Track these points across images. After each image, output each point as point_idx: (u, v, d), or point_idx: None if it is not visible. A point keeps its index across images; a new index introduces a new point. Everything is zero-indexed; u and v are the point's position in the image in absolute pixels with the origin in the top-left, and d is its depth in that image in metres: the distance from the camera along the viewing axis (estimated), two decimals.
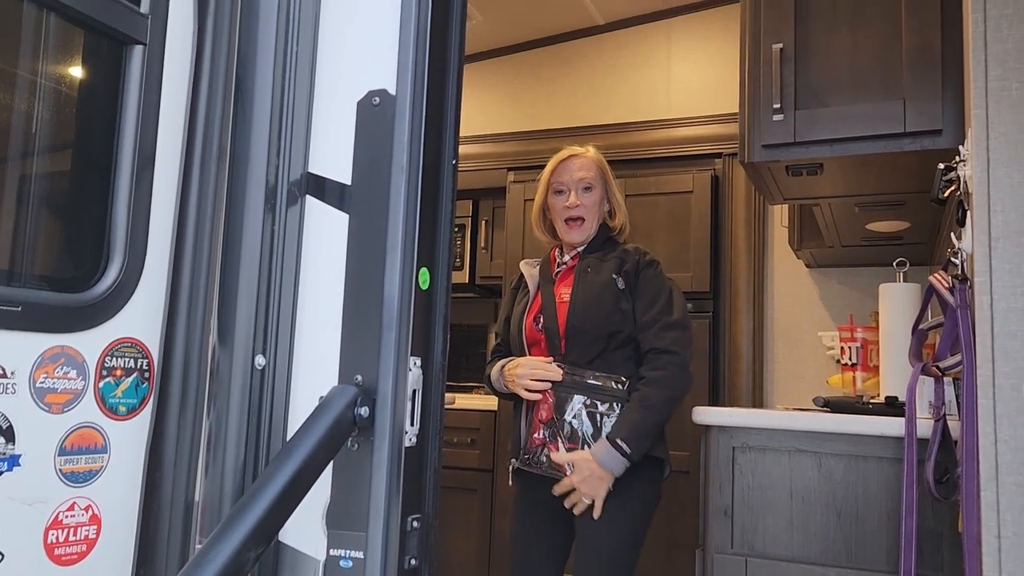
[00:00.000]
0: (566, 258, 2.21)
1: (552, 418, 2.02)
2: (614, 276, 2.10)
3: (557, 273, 2.20)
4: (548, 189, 2.22)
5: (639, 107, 3.64)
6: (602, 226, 2.21)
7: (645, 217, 3.40)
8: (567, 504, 1.99)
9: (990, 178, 1.40)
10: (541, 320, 2.13)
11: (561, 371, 2.04)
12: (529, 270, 2.27)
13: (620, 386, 2.02)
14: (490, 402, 3.52)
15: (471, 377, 4.10)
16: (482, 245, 4.05)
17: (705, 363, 3.27)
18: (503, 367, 2.16)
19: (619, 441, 1.93)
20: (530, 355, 2.15)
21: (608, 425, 1.99)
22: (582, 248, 2.20)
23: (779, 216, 3.31)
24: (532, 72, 3.92)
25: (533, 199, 3.62)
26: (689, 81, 3.58)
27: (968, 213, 1.48)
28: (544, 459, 2.02)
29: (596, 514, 1.96)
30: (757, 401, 3.27)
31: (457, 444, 3.56)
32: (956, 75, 1.76)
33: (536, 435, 2.04)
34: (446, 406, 3.86)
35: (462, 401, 3.59)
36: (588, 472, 1.94)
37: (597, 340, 2.05)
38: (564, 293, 2.13)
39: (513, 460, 2.11)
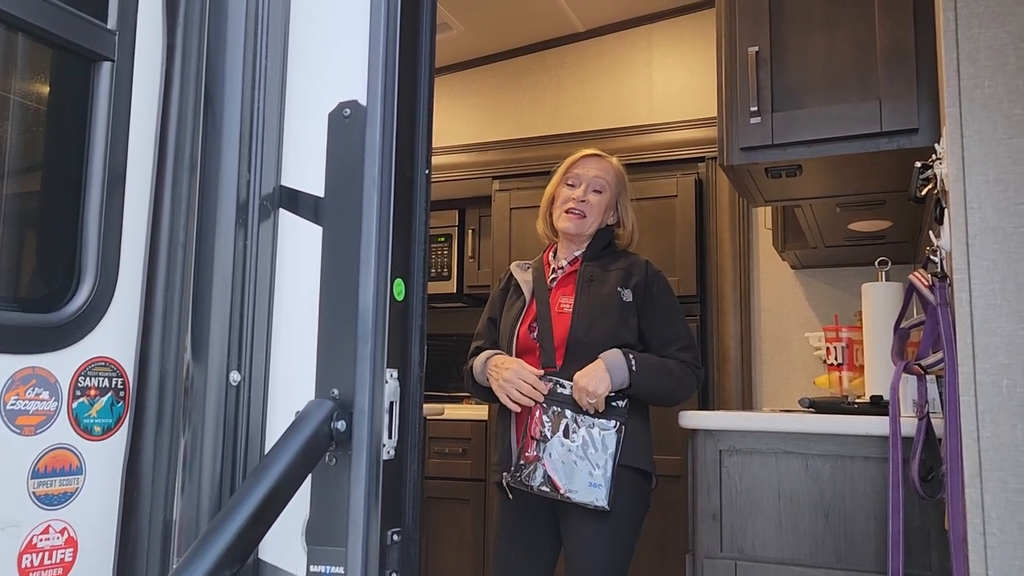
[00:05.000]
0: (563, 263, 2.15)
1: (544, 434, 1.94)
2: (619, 288, 2.06)
3: (553, 280, 2.14)
4: (562, 180, 2.19)
5: (622, 113, 3.65)
6: (604, 231, 2.16)
7: None
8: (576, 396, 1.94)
9: (965, 176, 1.41)
10: (536, 329, 2.07)
11: (547, 388, 1.97)
12: (521, 274, 2.20)
13: (619, 403, 1.97)
14: (481, 412, 3.51)
15: (461, 387, 4.08)
16: (469, 254, 4.04)
17: None
18: (488, 359, 2.08)
19: (631, 356, 1.96)
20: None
21: (583, 437, 1.94)
22: (580, 252, 2.15)
23: (763, 218, 3.32)
24: (515, 80, 3.92)
25: (519, 207, 3.66)
26: (671, 86, 3.59)
27: (945, 211, 1.49)
28: (538, 478, 1.92)
29: (599, 407, 1.92)
30: (746, 403, 3.27)
31: (449, 454, 3.55)
32: (930, 74, 1.77)
33: (529, 452, 1.95)
34: (435, 417, 3.82)
35: (452, 411, 3.58)
36: (592, 368, 1.92)
37: (598, 354, 2.00)
38: (564, 303, 2.07)
39: (505, 475, 2.01)
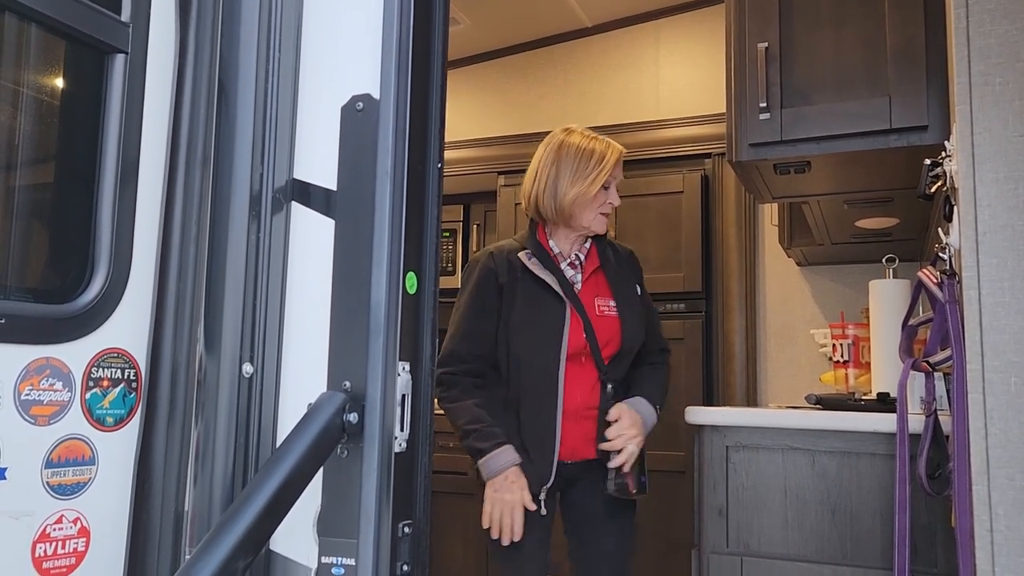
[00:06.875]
0: (579, 256, 2.02)
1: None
2: (634, 284, 2.10)
3: (575, 275, 2.01)
4: (608, 180, 2.00)
5: (628, 108, 3.65)
6: None
7: (636, 218, 3.40)
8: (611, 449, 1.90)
9: (975, 173, 1.41)
10: (585, 334, 1.95)
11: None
12: (540, 271, 1.96)
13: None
14: None
15: None
16: (474, 249, 4.04)
17: (698, 363, 3.27)
18: (505, 467, 1.92)
19: (657, 407, 2.01)
20: (564, 371, 1.94)
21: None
22: (589, 244, 2.05)
23: (770, 215, 3.31)
24: (521, 75, 3.92)
25: (522, 203, 3.65)
26: (677, 82, 3.59)
27: (955, 208, 1.49)
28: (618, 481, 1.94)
29: (626, 464, 1.91)
30: (751, 400, 3.27)
31: (454, 449, 3.54)
32: (940, 71, 1.77)
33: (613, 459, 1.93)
34: (440, 411, 3.84)
35: None
36: (631, 419, 1.92)
37: (631, 356, 2.03)
38: (602, 305, 1.99)
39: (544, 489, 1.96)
